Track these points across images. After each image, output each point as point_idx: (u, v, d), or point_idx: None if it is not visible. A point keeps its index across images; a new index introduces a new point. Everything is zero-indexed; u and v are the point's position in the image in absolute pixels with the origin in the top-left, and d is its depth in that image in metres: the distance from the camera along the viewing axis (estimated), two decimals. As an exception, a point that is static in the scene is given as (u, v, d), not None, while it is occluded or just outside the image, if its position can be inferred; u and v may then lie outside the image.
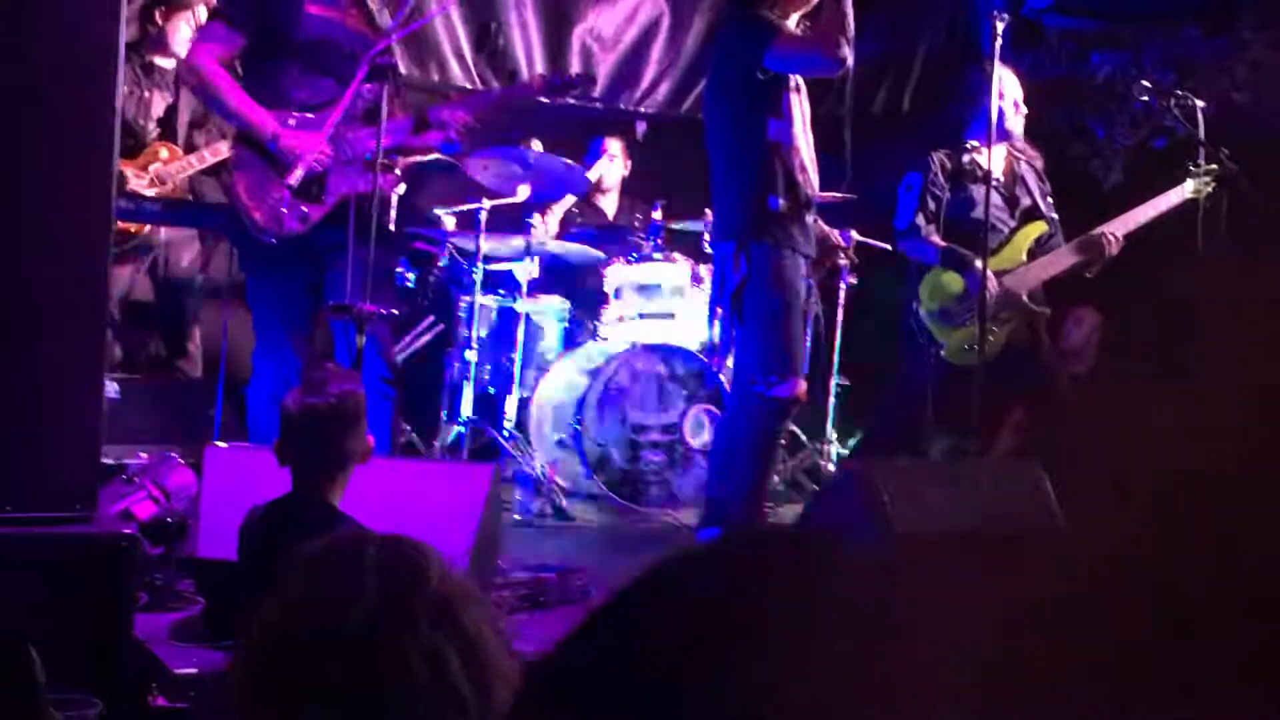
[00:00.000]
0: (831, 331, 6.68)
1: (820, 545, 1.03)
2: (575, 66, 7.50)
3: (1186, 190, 5.14)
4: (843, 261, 6.47)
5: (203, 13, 5.75)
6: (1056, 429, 5.35)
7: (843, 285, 6.62)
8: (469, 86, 7.21)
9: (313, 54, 4.28)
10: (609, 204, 7.27)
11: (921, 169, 5.24)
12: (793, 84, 4.59)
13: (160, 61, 5.71)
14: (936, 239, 5.18)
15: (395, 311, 4.27)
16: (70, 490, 3.37)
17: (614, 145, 7.21)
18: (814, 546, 1.03)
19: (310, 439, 3.10)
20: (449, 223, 6.26)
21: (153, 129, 5.72)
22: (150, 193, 5.55)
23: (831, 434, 6.63)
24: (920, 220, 5.19)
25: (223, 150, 5.65)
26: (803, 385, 4.58)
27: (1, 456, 3.27)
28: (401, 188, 4.71)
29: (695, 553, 1.14)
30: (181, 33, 5.71)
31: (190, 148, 5.76)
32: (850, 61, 4.46)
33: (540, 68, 7.38)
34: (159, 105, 5.74)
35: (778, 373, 4.50)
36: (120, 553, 3.17)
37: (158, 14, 5.72)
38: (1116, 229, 5.22)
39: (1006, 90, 5.24)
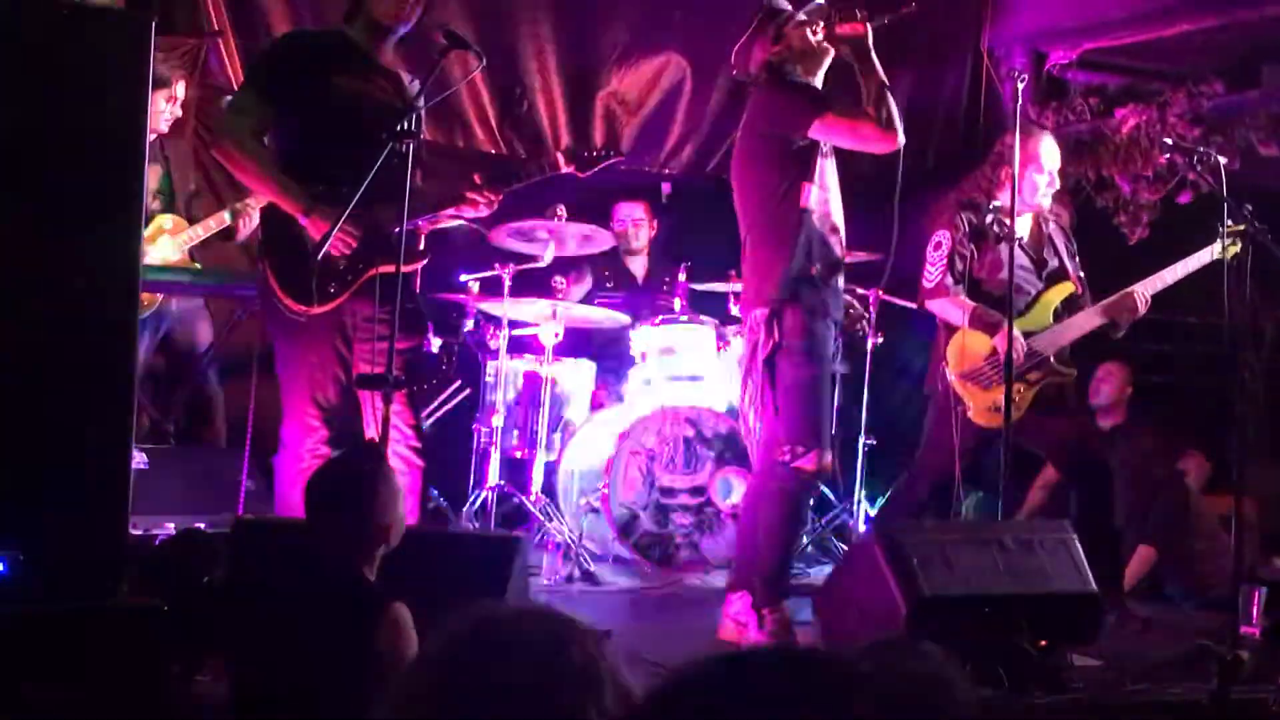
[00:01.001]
0: (859, 391, 6.68)
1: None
2: (599, 130, 7.55)
3: (1214, 251, 5.13)
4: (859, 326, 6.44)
5: (181, 89, 5.82)
6: (1087, 488, 5.32)
7: (869, 344, 6.62)
8: (494, 152, 7.26)
9: (340, 125, 4.31)
10: (638, 266, 7.30)
11: (949, 228, 5.24)
12: (824, 149, 4.60)
13: (158, 126, 5.77)
14: (964, 299, 5.17)
15: (422, 384, 4.28)
16: (99, 566, 3.39)
17: (639, 209, 7.25)
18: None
19: (341, 513, 3.09)
20: (474, 288, 6.30)
21: (152, 202, 5.78)
22: (159, 262, 5.61)
23: (860, 494, 6.61)
24: (948, 280, 5.18)
25: (226, 219, 5.71)
26: (827, 458, 4.56)
27: (29, 532, 3.29)
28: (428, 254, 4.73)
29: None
30: (161, 108, 5.77)
31: (191, 219, 5.82)
32: (903, 140, 4.47)
33: (564, 132, 7.44)
34: (151, 179, 5.80)
35: (804, 443, 4.50)
36: (149, 629, 3.19)
37: None
38: (1144, 290, 5.21)
39: (1046, 161, 5.24)
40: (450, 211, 4.46)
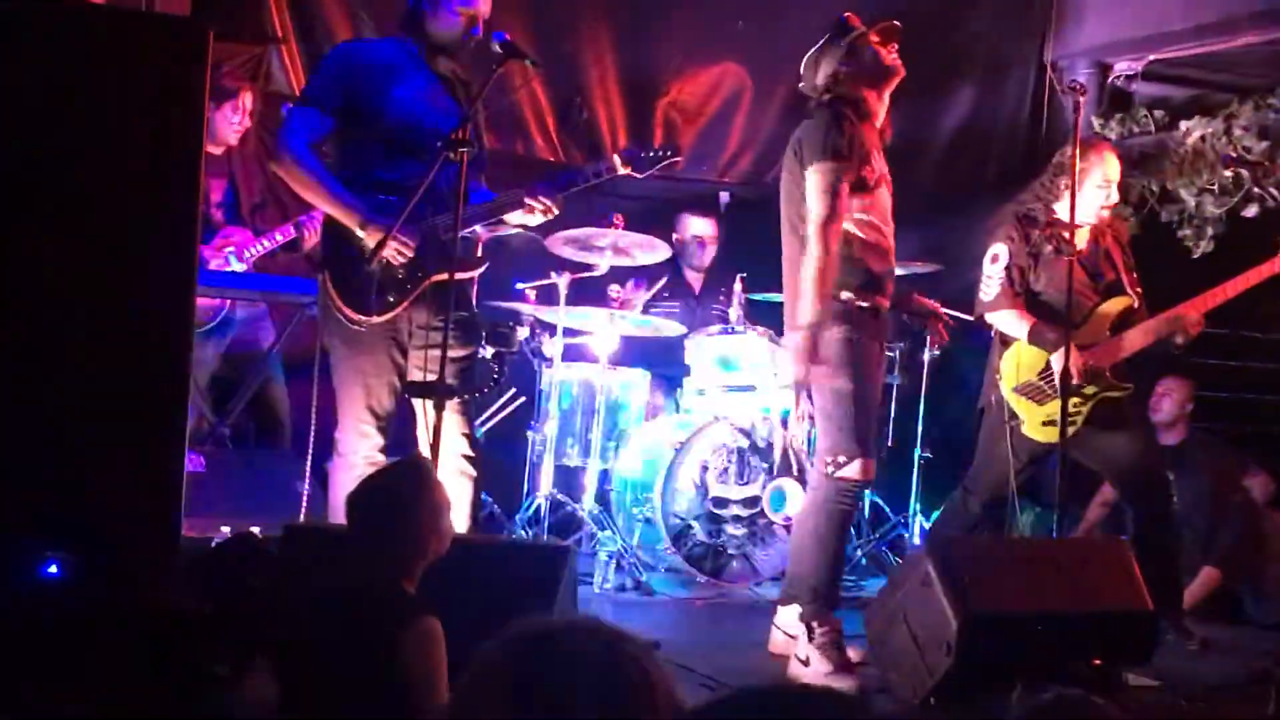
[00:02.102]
0: (915, 404, 6.64)
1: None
2: (658, 139, 7.56)
3: (1276, 265, 5.06)
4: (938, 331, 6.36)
5: (248, 100, 5.88)
6: (1147, 505, 5.26)
7: (925, 357, 6.58)
8: (552, 159, 7.29)
9: (399, 136, 4.33)
10: (696, 277, 7.31)
11: (1007, 241, 5.20)
12: (876, 174, 4.56)
13: (212, 149, 5.83)
14: (1022, 313, 5.13)
15: (474, 392, 4.30)
16: (150, 568, 3.44)
17: (710, 226, 7.25)
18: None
19: (382, 525, 3.11)
20: (531, 296, 6.32)
21: (216, 213, 5.84)
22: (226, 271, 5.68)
23: (915, 507, 6.57)
24: (1006, 294, 5.14)
25: (291, 231, 5.77)
26: (870, 467, 4.53)
27: (79, 532, 3.34)
28: (485, 263, 4.75)
29: None
30: (230, 120, 5.83)
31: (256, 231, 5.88)
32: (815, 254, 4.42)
33: (623, 140, 7.45)
34: (217, 191, 5.87)
35: (846, 454, 4.49)
36: (196, 631, 3.23)
37: None
38: (1201, 306, 5.14)
39: (1106, 174, 5.19)
40: (507, 218, 4.47)
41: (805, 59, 4.72)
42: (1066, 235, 4.96)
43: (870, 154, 4.55)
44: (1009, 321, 5.17)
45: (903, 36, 4.64)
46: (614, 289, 6.36)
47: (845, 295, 4.48)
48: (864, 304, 4.52)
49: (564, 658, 1.56)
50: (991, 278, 5.18)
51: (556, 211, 4.47)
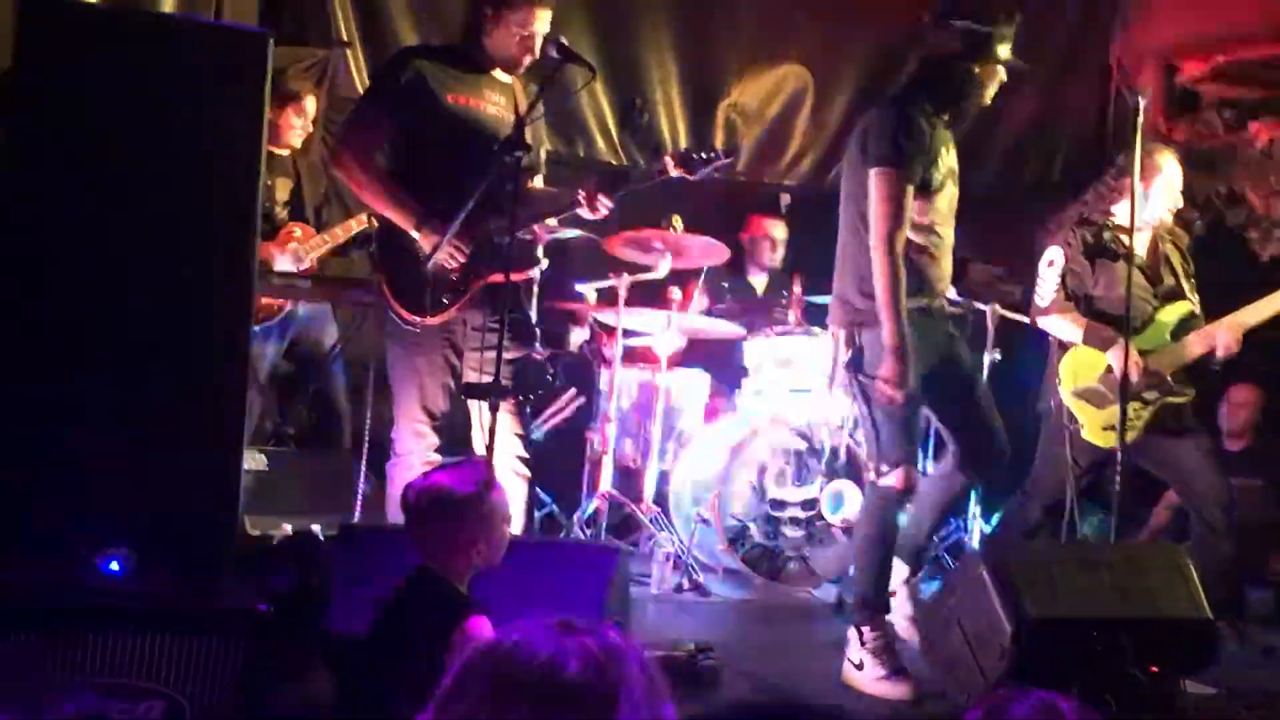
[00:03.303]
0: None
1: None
2: (719, 140, 7.58)
3: None
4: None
5: (311, 104, 5.96)
6: (1209, 512, 5.21)
7: (986, 360, 6.54)
8: (614, 162, 7.32)
9: (454, 141, 4.38)
10: (760, 279, 7.32)
11: (1063, 245, 5.15)
12: (944, 172, 4.48)
13: (277, 151, 5.92)
14: (1078, 316, 5.09)
15: (529, 393, 4.34)
16: (209, 564, 3.50)
17: (780, 229, 7.27)
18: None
19: (435, 525, 3.15)
20: (591, 297, 6.36)
21: (281, 212, 5.93)
22: (292, 269, 5.76)
23: (975, 510, 6.53)
24: (1061, 297, 5.10)
25: (353, 226, 5.85)
26: (910, 475, 4.47)
27: (142, 529, 3.41)
28: (545, 262, 4.80)
29: None
30: (293, 124, 5.92)
31: (320, 227, 5.96)
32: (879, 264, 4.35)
33: (684, 142, 7.48)
34: (283, 190, 5.96)
35: (888, 461, 4.47)
36: (254, 627, 3.28)
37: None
38: (1245, 320, 5.06)
39: (1172, 177, 5.12)
40: (561, 218, 4.50)
41: (923, 22, 4.52)
42: (1126, 239, 4.91)
43: (941, 151, 4.46)
44: (1062, 326, 5.13)
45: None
46: (675, 290, 6.37)
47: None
48: (913, 306, 4.42)
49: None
50: (1046, 281, 5.13)
51: (605, 212, 4.47)
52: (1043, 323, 5.20)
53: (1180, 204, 5.23)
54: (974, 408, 4.73)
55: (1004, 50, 4.46)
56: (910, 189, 4.35)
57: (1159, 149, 5.27)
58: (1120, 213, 5.04)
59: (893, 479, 4.46)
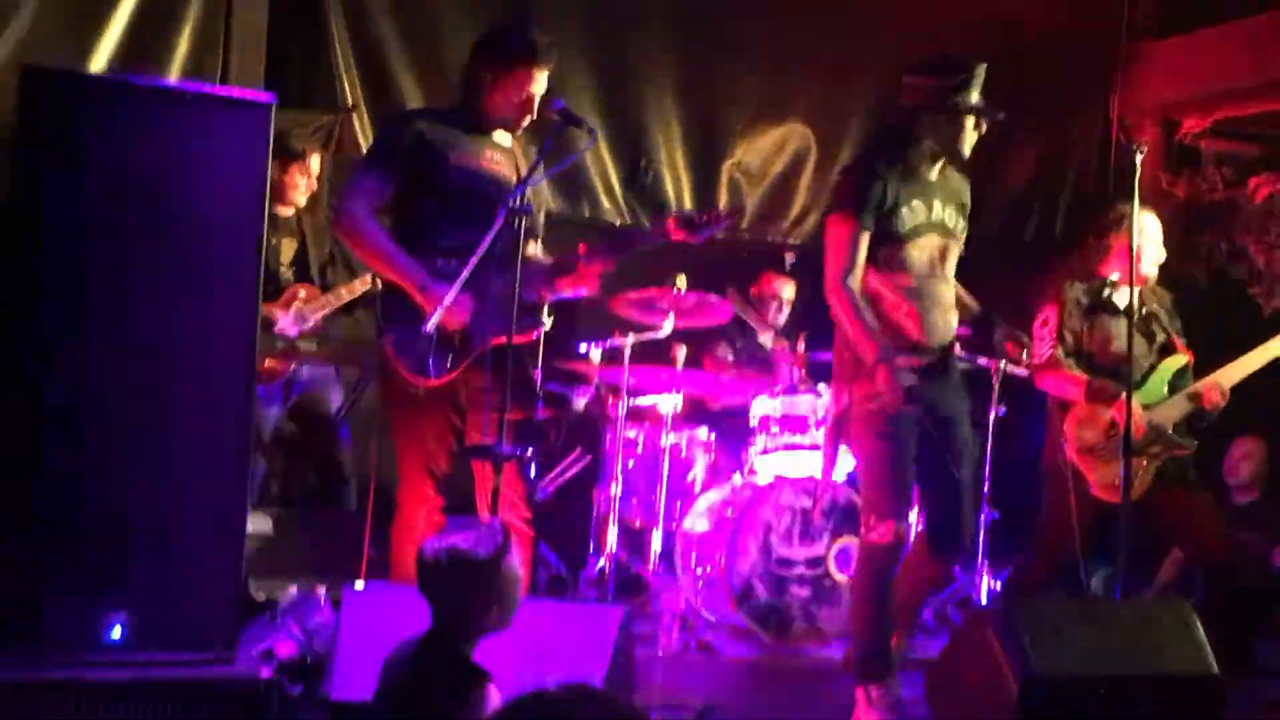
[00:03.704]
0: (980, 463, 6.60)
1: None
2: (724, 199, 7.62)
3: None
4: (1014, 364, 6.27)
5: (315, 162, 6.00)
6: (1214, 566, 5.20)
7: (991, 416, 6.55)
8: (618, 223, 7.36)
9: (458, 201, 4.40)
10: (768, 337, 7.34)
11: (1055, 304, 5.18)
12: (906, 227, 4.52)
13: (282, 210, 5.96)
14: (1076, 373, 5.11)
15: (532, 455, 4.35)
16: (212, 630, 3.50)
17: (791, 289, 7.30)
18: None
19: (450, 587, 3.13)
20: (595, 357, 6.37)
21: (286, 272, 5.96)
22: (294, 332, 5.79)
23: (983, 566, 6.52)
24: (1058, 355, 5.13)
25: (357, 287, 5.87)
26: (898, 528, 4.49)
27: (144, 595, 3.41)
28: (548, 323, 4.82)
29: None
30: (297, 183, 5.96)
31: (324, 287, 5.99)
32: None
33: (689, 201, 7.52)
34: (288, 251, 5.99)
35: (874, 515, 4.50)
36: (258, 695, 3.28)
37: (274, 166, 5.97)
38: (1229, 377, 5.09)
39: (1150, 233, 5.17)
40: (562, 285, 4.52)
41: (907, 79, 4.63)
42: (1117, 296, 4.95)
43: (914, 201, 4.52)
44: (1060, 384, 5.16)
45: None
46: (679, 350, 6.39)
47: (903, 370, 4.41)
48: (913, 367, 4.46)
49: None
50: (1042, 341, 5.13)
51: (600, 276, 4.51)
52: (1041, 381, 5.23)
53: (1163, 258, 5.26)
54: (950, 491, 4.68)
55: (970, 98, 4.52)
56: (865, 234, 4.45)
57: (1145, 212, 5.27)
58: (1110, 270, 5.09)
59: (878, 534, 4.47)
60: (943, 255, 4.62)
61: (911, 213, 4.52)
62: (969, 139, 4.57)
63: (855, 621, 4.63)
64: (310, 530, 5.59)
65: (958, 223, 4.67)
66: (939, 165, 4.63)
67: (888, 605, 4.58)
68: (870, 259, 4.50)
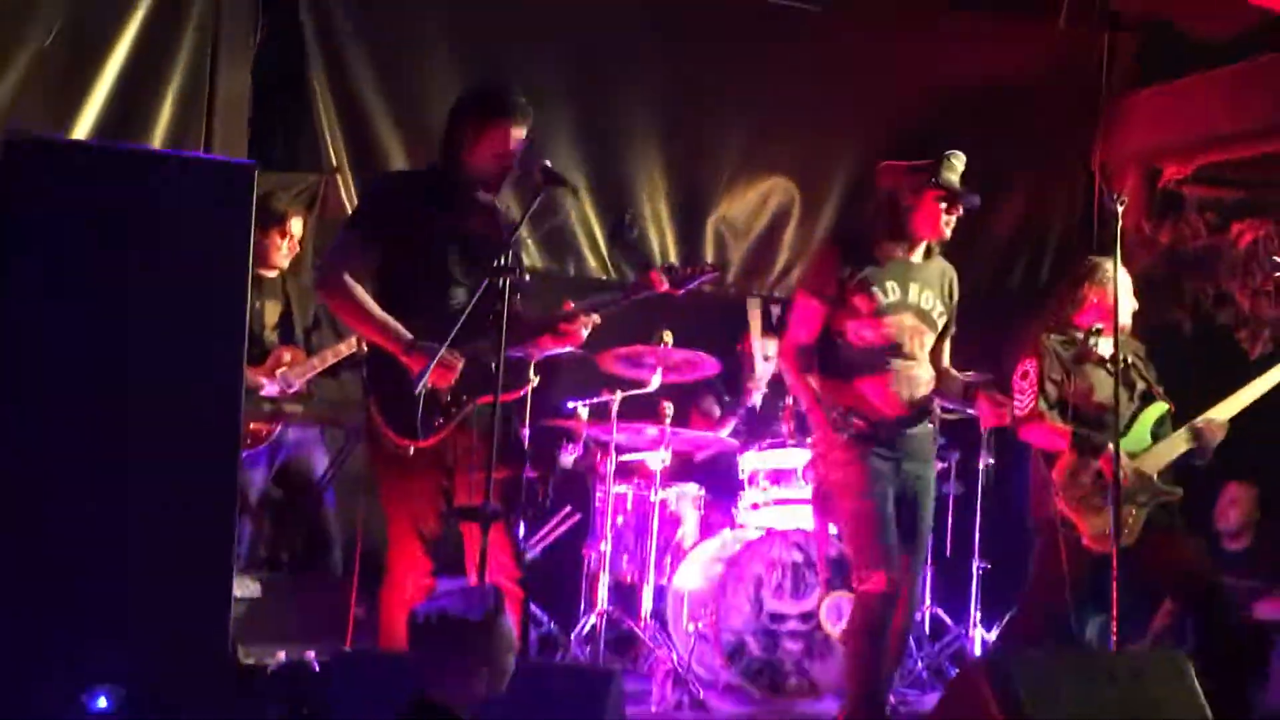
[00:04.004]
0: (971, 513, 6.60)
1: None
2: (709, 254, 7.64)
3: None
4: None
5: (297, 224, 6.00)
6: (1205, 614, 5.18)
7: (981, 465, 6.54)
8: (604, 278, 7.37)
9: (441, 261, 4.40)
10: (755, 393, 7.33)
11: (1035, 356, 5.21)
12: (883, 302, 4.74)
13: (265, 273, 5.95)
14: (1056, 425, 5.12)
15: (520, 514, 4.33)
16: (200, 697, 3.47)
17: (772, 346, 7.29)
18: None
19: (443, 651, 3.10)
20: (583, 414, 6.36)
21: (270, 335, 5.95)
22: (279, 394, 5.78)
23: (976, 617, 6.49)
24: (1040, 407, 5.15)
25: (342, 350, 5.86)
26: (885, 579, 4.66)
27: (131, 663, 3.38)
28: (535, 380, 4.80)
29: None
30: (279, 245, 5.96)
31: (309, 350, 5.98)
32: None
33: (673, 257, 7.53)
34: (272, 314, 5.98)
35: (865, 567, 4.69)
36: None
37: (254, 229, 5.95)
38: (1221, 414, 5.11)
39: (1122, 284, 5.20)
40: (545, 341, 4.51)
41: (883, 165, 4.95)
42: (1098, 345, 4.98)
43: (887, 282, 4.77)
44: (1043, 435, 5.16)
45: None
46: (667, 405, 6.38)
47: (847, 418, 4.71)
48: (862, 423, 4.73)
49: None
50: (1023, 394, 5.19)
51: (585, 332, 4.52)
52: (1024, 434, 5.24)
53: (1135, 308, 5.29)
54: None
55: (946, 182, 4.75)
56: (826, 310, 4.77)
57: (1108, 260, 5.30)
58: (1086, 320, 5.11)
59: (871, 584, 4.62)
60: (914, 335, 4.84)
61: (884, 293, 4.77)
62: (946, 222, 4.78)
63: (850, 673, 4.70)
64: (298, 594, 5.53)
65: (935, 306, 4.91)
66: (922, 248, 4.86)
67: (883, 656, 4.67)
68: (840, 333, 4.76)
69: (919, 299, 4.84)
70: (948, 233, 4.81)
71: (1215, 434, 5.11)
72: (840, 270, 4.74)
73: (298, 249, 6.09)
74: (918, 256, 4.85)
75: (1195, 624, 5.26)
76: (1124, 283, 5.23)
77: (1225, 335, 7.56)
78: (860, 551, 4.69)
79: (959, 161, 4.78)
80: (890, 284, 4.79)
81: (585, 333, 4.49)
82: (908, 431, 4.84)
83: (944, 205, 4.76)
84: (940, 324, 4.94)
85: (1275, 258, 5.93)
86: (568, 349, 4.62)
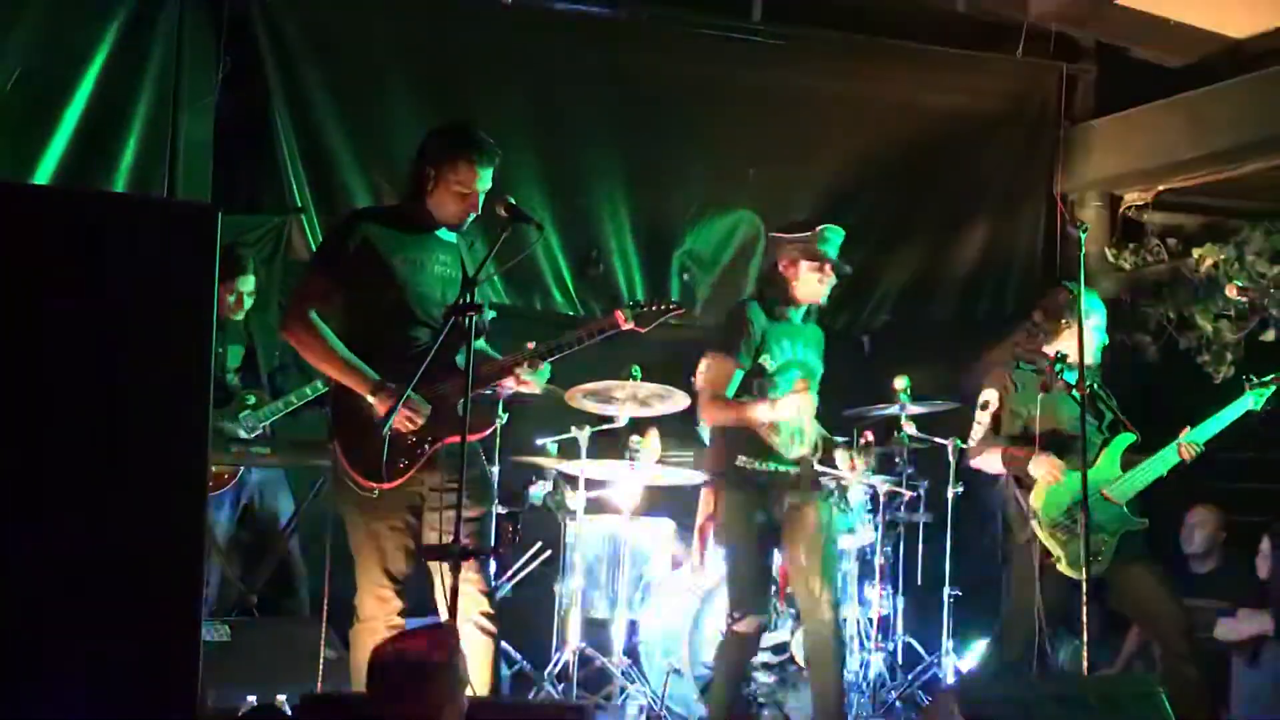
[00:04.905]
0: (941, 541, 6.61)
1: None
2: (674, 289, 7.66)
3: (1246, 403, 5.11)
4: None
5: (248, 282, 6.01)
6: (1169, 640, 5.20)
7: (950, 494, 6.56)
8: (571, 314, 7.38)
9: (406, 302, 4.39)
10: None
11: (998, 387, 5.27)
12: (774, 364, 5.10)
13: (229, 315, 5.95)
14: (1007, 451, 5.18)
15: (491, 551, 4.31)
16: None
17: None
18: None
19: (405, 691, 3.11)
20: (552, 450, 6.35)
21: (234, 379, 5.94)
22: (244, 436, 5.76)
23: (947, 645, 6.49)
24: (989, 438, 5.24)
25: (307, 393, 5.84)
26: (761, 622, 5.14)
27: (99, 709, 3.35)
28: (503, 418, 4.78)
29: None
30: (240, 295, 5.96)
31: (274, 392, 5.97)
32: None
33: (640, 291, 7.55)
34: (235, 357, 5.98)
35: (736, 606, 5.11)
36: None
37: None
38: (1201, 435, 5.16)
39: (1096, 318, 5.25)
40: (505, 383, 4.49)
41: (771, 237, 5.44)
42: (1064, 375, 5.02)
43: (782, 342, 5.15)
44: (993, 463, 5.23)
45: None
46: (635, 440, 6.38)
47: (737, 461, 5.09)
48: (747, 468, 5.10)
49: None
50: (981, 424, 5.27)
51: (540, 368, 4.52)
52: (975, 463, 5.32)
53: (1105, 341, 5.32)
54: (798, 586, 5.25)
55: (825, 252, 5.13)
56: (738, 369, 5.11)
57: (1070, 290, 5.32)
58: (1052, 350, 5.13)
59: (745, 626, 5.07)
60: (804, 388, 5.14)
61: (780, 350, 5.14)
62: (826, 288, 5.19)
63: (716, 702, 5.25)
64: (267, 637, 5.50)
65: (816, 362, 5.28)
66: (803, 310, 5.25)
67: (740, 687, 5.40)
68: (745, 387, 5.10)
69: (805, 356, 5.23)
70: (824, 298, 5.24)
71: (1191, 453, 5.14)
72: (749, 332, 5.12)
73: (246, 305, 6.07)
74: (800, 318, 5.26)
75: (1160, 650, 5.29)
76: (1101, 318, 5.28)
77: (1189, 360, 7.61)
78: (738, 593, 5.18)
79: (836, 234, 5.18)
80: (785, 342, 5.17)
81: (542, 380, 4.50)
82: (800, 471, 5.20)
83: (825, 274, 5.15)
84: (818, 378, 5.29)
85: (1237, 280, 5.97)
86: (534, 388, 4.61)
